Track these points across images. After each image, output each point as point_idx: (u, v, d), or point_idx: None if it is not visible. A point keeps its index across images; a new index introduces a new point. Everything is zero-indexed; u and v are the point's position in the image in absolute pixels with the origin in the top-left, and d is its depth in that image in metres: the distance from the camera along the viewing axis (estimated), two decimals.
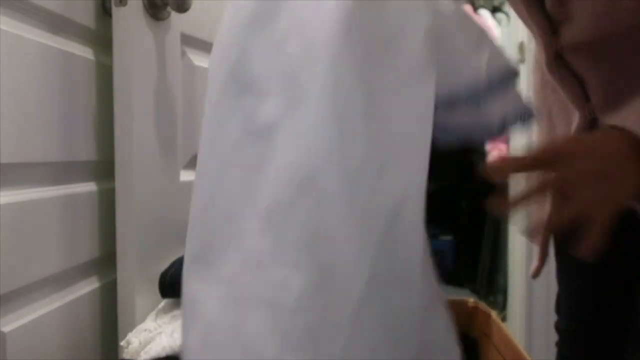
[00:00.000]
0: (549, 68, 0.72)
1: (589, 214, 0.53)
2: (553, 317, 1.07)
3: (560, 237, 0.97)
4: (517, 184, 2.14)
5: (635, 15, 0.60)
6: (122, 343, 0.85)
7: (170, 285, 0.92)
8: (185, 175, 1.07)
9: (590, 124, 0.76)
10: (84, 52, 0.93)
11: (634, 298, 0.92)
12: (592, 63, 0.67)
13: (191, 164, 1.10)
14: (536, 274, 0.94)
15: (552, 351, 1.07)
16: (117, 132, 0.92)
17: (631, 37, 0.62)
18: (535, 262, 0.94)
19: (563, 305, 1.02)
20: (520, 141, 2.02)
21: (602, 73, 0.66)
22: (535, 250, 0.98)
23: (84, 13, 0.93)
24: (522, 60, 2.13)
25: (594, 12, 0.63)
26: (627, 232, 0.85)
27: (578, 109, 0.73)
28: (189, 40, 1.07)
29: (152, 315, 0.90)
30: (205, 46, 1.13)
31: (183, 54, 1.06)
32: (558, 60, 0.70)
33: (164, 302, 0.93)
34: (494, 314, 1.07)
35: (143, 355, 0.77)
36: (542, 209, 0.94)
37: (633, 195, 0.55)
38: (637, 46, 0.62)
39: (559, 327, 1.03)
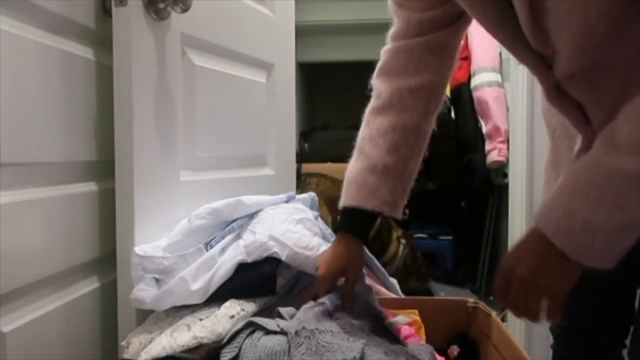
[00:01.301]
0: (549, 99, 0.73)
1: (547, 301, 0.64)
2: None
3: None
4: (517, 186, 2.12)
5: (613, 43, 0.61)
6: (122, 343, 0.85)
7: None
8: (185, 175, 1.07)
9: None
10: (84, 52, 0.93)
11: (629, 296, 0.92)
12: (588, 91, 0.67)
13: (191, 164, 1.10)
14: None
15: (551, 352, 1.07)
16: (117, 132, 0.92)
17: (619, 64, 0.62)
18: None
19: None
20: (520, 142, 2.03)
21: (599, 99, 0.66)
22: None
23: (84, 13, 0.93)
24: (535, 78, 2.13)
25: (574, 44, 0.63)
26: None
27: (581, 132, 0.74)
28: (189, 40, 1.07)
29: (152, 317, 0.90)
30: (205, 46, 1.13)
31: (183, 53, 1.06)
32: (557, 90, 0.71)
33: None
34: (494, 314, 1.07)
35: (143, 355, 0.77)
36: None
37: (572, 282, 0.63)
38: (626, 72, 0.62)
39: (553, 329, 1.03)
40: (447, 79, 0.89)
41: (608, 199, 0.56)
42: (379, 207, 0.83)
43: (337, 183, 2.60)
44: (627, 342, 0.93)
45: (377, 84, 0.88)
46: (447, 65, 0.88)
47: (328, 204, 2.30)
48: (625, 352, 0.94)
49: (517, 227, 2.08)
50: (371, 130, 0.87)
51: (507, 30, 0.70)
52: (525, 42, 0.68)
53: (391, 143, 0.84)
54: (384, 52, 0.89)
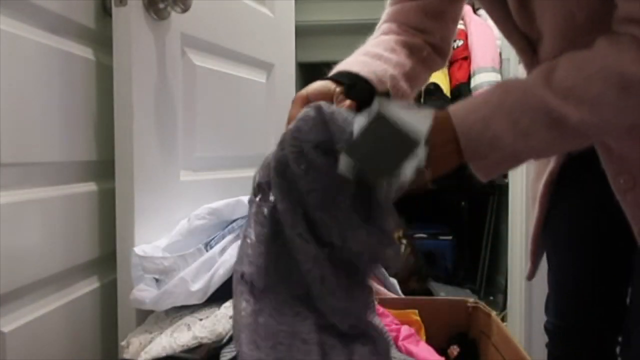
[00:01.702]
0: None
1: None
2: None
3: (551, 239, 0.98)
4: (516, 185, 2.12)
5: (592, 30, 0.62)
6: (122, 343, 0.85)
7: None
8: (185, 175, 1.07)
9: None
10: (84, 52, 0.93)
11: (622, 295, 0.92)
12: None
13: (191, 164, 1.10)
14: (531, 276, 0.95)
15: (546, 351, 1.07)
16: (117, 132, 0.92)
17: None
18: (529, 265, 0.95)
19: (551, 305, 1.02)
20: None
21: None
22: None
23: (84, 13, 0.93)
24: (521, 61, 2.13)
25: (557, 29, 0.65)
26: (617, 236, 0.85)
27: None
28: (189, 40, 1.07)
29: (152, 317, 0.90)
30: (205, 46, 1.13)
31: (183, 53, 1.06)
32: None
33: None
34: (494, 314, 1.07)
35: (143, 355, 0.77)
36: (533, 219, 0.95)
37: (447, 170, 0.65)
38: None
39: (547, 328, 1.03)
40: (448, 42, 0.87)
41: (522, 124, 0.60)
42: (366, 73, 0.73)
43: None
44: (619, 339, 0.93)
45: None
46: (447, 29, 0.86)
47: None
48: (617, 350, 0.94)
49: (517, 227, 2.08)
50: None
51: (499, 11, 0.72)
52: (515, 24, 0.70)
53: (387, 44, 0.81)
54: (382, 16, 0.87)
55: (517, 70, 2.17)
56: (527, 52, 0.74)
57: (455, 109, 0.63)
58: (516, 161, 0.66)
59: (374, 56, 0.77)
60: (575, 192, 0.90)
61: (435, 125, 0.61)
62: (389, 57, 0.78)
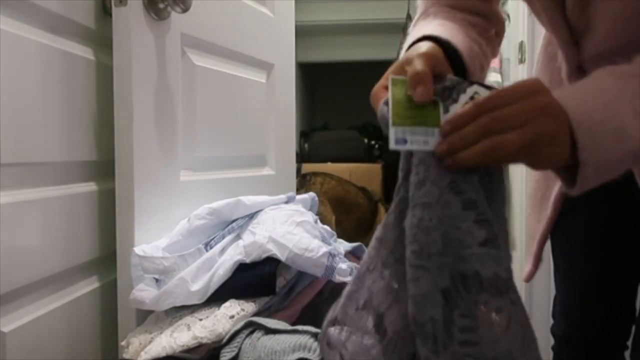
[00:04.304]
0: (570, 80, 0.71)
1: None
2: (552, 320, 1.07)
3: (562, 243, 0.97)
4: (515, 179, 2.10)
5: None
6: (122, 343, 0.85)
7: None
8: (186, 175, 1.07)
9: None
10: (84, 52, 0.93)
11: (631, 296, 0.92)
12: None
13: (191, 164, 1.10)
14: (529, 278, 0.94)
15: (551, 353, 1.07)
16: (117, 132, 0.92)
17: None
18: (528, 267, 0.94)
19: (559, 309, 1.01)
20: None
21: None
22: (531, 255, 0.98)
23: (84, 13, 0.93)
24: (522, 60, 2.13)
25: (621, 17, 0.61)
26: (626, 236, 0.84)
27: None
28: (189, 40, 1.07)
29: (152, 317, 0.90)
30: (205, 46, 1.13)
31: (183, 53, 1.06)
32: (579, 71, 0.69)
33: None
34: None
35: (143, 355, 0.77)
36: (537, 219, 0.94)
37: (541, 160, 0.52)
38: None
39: (554, 332, 1.03)
40: (503, 25, 0.78)
41: None
42: (462, 49, 0.63)
43: (342, 182, 2.60)
44: (629, 343, 0.93)
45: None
46: (497, 11, 0.77)
47: (332, 203, 2.29)
48: (627, 353, 0.94)
49: (517, 227, 2.07)
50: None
51: None
52: (564, 13, 0.66)
53: (459, 22, 0.69)
54: (422, 4, 0.77)
55: (517, 70, 2.17)
56: (569, 45, 0.69)
57: (560, 96, 0.50)
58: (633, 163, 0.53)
59: (458, 31, 0.67)
60: (596, 195, 0.88)
61: (555, 104, 0.49)
62: (470, 34, 0.68)
